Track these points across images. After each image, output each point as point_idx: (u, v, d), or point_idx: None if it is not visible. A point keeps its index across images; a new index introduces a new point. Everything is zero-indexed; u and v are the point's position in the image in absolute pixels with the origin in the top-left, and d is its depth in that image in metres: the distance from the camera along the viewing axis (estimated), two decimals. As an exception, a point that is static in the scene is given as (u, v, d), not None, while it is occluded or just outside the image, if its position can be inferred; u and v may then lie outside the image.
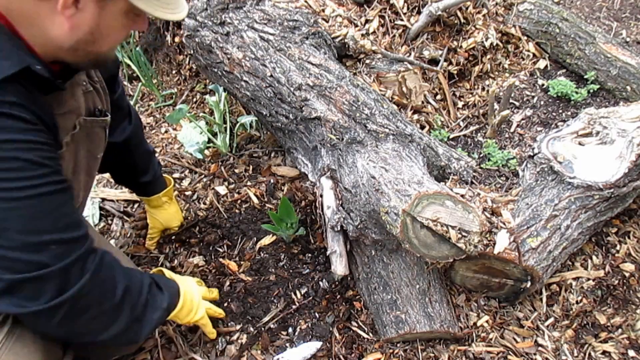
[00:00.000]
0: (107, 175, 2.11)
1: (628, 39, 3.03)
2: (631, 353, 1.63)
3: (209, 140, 2.26)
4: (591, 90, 2.54)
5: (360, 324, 1.71)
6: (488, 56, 2.64)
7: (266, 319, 1.69)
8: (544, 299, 1.77)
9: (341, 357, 1.60)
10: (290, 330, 1.67)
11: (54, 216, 0.97)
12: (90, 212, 2.01)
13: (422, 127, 2.30)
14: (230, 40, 1.92)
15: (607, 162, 1.69)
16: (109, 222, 2.03)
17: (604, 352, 1.64)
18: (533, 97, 2.56)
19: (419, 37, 2.44)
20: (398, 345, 1.63)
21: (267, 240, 1.93)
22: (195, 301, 1.40)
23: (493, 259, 1.58)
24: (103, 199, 2.09)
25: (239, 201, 2.09)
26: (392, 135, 1.71)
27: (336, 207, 1.65)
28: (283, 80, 1.79)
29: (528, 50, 2.77)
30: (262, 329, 1.67)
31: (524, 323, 1.71)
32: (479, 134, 2.39)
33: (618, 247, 1.91)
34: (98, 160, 1.32)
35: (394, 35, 2.39)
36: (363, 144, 1.68)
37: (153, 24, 2.75)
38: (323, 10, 2.27)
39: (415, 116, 2.31)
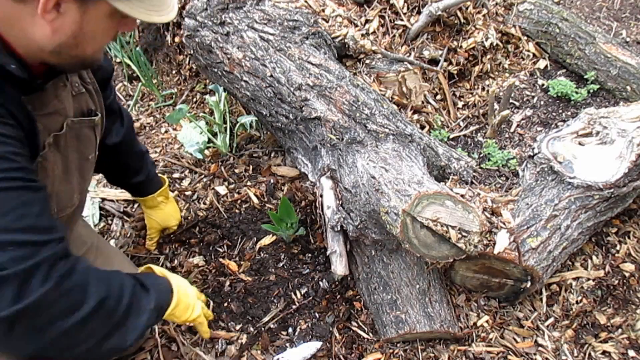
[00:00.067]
0: (104, 175, 2.10)
1: (628, 39, 3.03)
2: (631, 353, 1.63)
3: (209, 140, 2.26)
4: (591, 90, 2.54)
5: (360, 324, 1.71)
6: (488, 56, 2.64)
7: (266, 319, 1.69)
8: (544, 299, 1.77)
9: (341, 357, 1.60)
10: (290, 330, 1.68)
11: (15, 215, 0.89)
12: (90, 212, 2.01)
13: (422, 127, 2.30)
14: (230, 40, 1.92)
15: (607, 162, 1.69)
16: (109, 222, 2.03)
17: (604, 352, 1.64)
18: (533, 97, 2.56)
19: (419, 37, 2.44)
20: (398, 345, 1.63)
21: (267, 240, 1.93)
22: (190, 298, 1.34)
23: (493, 259, 1.58)
24: (103, 199, 2.09)
25: (239, 201, 2.09)
26: (392, 135, 1.71)
27: (336, 207, 1.65)
28: (283, 80, 1.79)
29: (528, 50, 2.77)
30: (262, 329, 1.67)
31: (524, 323, 1.71)
32: (479, 134, 2.39)
33: (618, 247, 1.91)
34: (91, 162, 1.30)
35: (394, 35, 2.39)
36: (363, 144, 1.68)
37: (153, 24, 2.75)
38: (323, 10, 2.27)
39: (415, 116, 2.32)
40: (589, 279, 1.81)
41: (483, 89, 2.60)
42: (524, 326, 1.70)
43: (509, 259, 1.55)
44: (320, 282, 1.80)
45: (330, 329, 1.67)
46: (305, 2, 2.24)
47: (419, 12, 2.44)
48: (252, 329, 1.66)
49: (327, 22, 2.24)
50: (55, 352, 0.98)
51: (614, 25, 3.14)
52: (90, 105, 1.25)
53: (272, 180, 2.14)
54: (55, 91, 1.11)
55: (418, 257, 1.44)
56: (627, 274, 1.83)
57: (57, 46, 0.94)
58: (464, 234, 1.32)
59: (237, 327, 1.67)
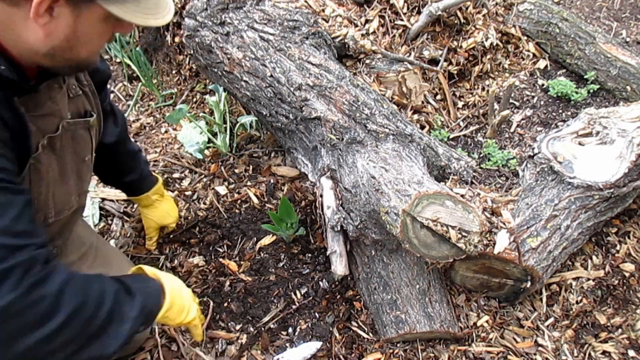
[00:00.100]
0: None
1: (628, 39, 3.03)
2: (631, 353, 1.63)
3: (209, 140, 2.26)
4: (591, 90, 2.54)
5: (360, 324, 1.71)
6: (488, 56, 2.64)
7: (266, 319, 1.69)
8: (544, 299, 1.77)
9: (341, 357, 1.60)
10: (290, 330, 1.68)
11: None
12: (90, 212, 2.01)
13: (422, 127, 2.30)
14: (230, 40, 1.92)
15: (607, 162, 1.69)
16: (109, 222, 2.03)
17: (604, 352, 1.64)
18: (533, 97, 2.56)
19: (419, 37, 2.44)
20: (398, 345, 1.63)
21: (267, 240, 1.93)
22: (185, 300, 1.27)
23: (493, 259, 1.58)
24: (103, 199, 2.09)
25: (239, 201, 2.09)
26: (392, 135, 1.71)
27: (336, 207, 1.65)
28: (283, 80, 1.79)
29: (528, 50, 2.77)
30: (262, 329, 1.67)
31: (524, 323, 1.71)
32: (479, 134, 2.39)
33: (618, 247, 1.91)
34: (87, 163, 1.30)
35: (394, 35, 2.39)
36: (363, 144, 1.68)
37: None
38: (323, 10, 2.27)
39: (415, 116, 2.32)
40: (589, 279, 1.81)
41: (483, 89, 2.60)
42: (524, 326, 1.70)
43: (509, 259, 1.55)
44: (320, 282, 1.80)
45: (330, 329, 1.67)
46: (305, 2, 2.24)
47: (419, 12, 2.44)
48: (252, 329, 1.66)
49: (327, 22, 2.24)
50: None
51: (614, 25, 3.14)
52: (87, 107, 1.24)
53: (272, 180, 2.14)
54: (50, 93, 1.10)
55: (418, 257, 1.44)
56: (627, 274, 1.83)
57: (51, 49, 0.94)
58: (464, 234, 1.32)
59: (237, 327, 1.67)
